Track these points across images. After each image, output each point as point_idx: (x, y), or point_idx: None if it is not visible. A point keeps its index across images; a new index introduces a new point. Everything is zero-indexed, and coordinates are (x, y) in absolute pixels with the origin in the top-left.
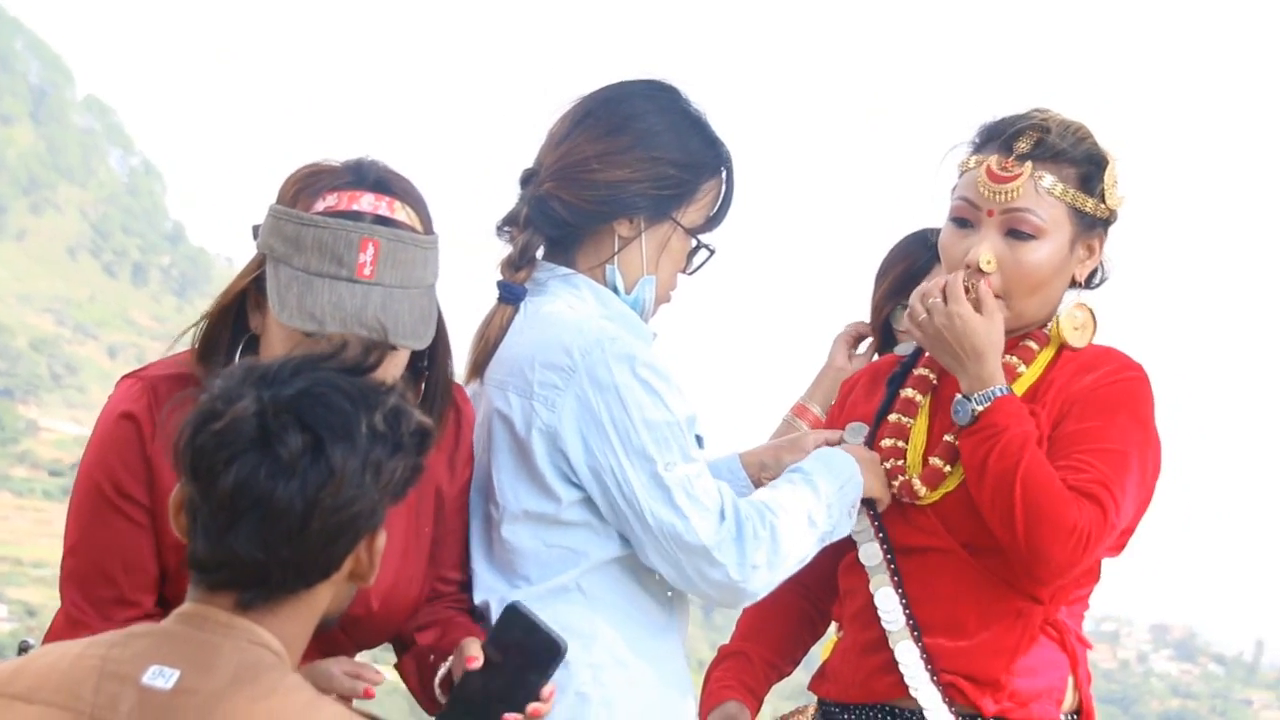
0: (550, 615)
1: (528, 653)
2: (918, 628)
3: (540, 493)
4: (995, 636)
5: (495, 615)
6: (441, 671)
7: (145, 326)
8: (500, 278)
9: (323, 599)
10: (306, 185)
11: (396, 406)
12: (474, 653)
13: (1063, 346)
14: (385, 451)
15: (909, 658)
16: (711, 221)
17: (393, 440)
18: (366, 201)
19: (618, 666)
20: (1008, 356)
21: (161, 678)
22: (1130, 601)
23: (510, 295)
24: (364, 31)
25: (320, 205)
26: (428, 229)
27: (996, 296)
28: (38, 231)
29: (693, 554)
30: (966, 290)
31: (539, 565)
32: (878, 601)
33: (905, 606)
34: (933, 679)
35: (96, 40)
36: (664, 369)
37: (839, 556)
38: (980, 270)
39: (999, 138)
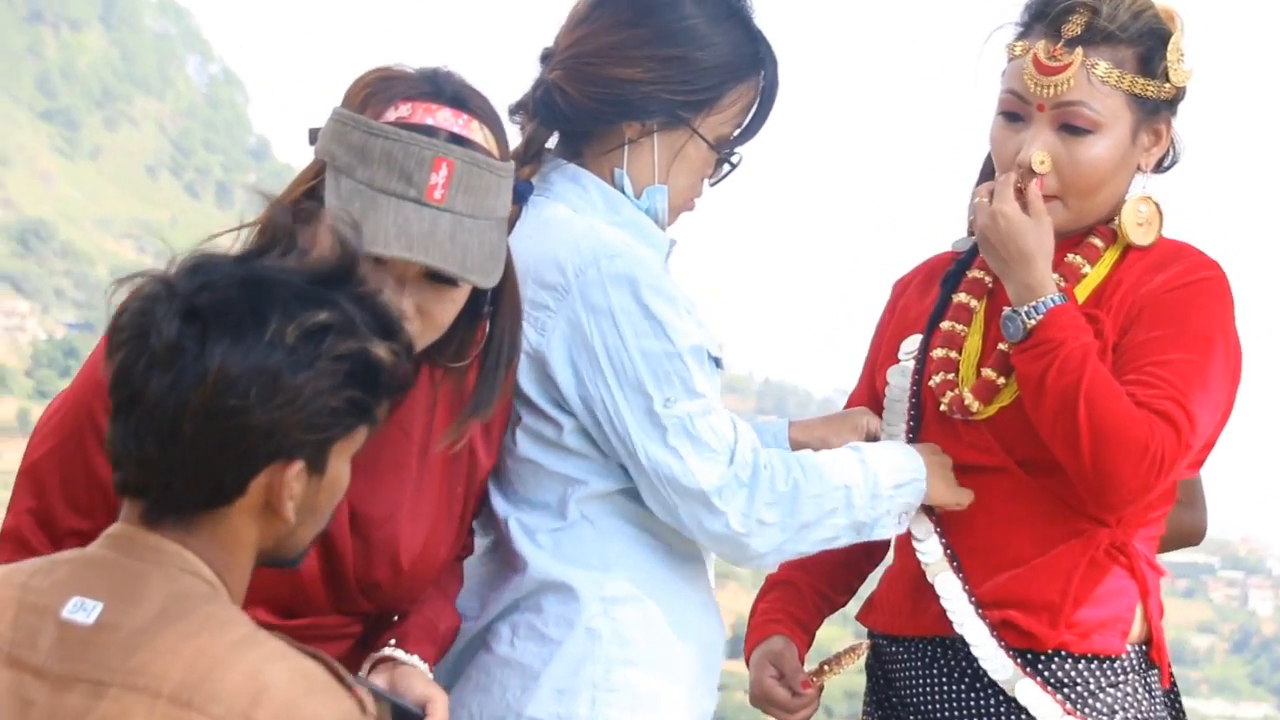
0: (560, 546)
1: None
2: (956, 557)
3: (536, 416)
4: (1053, 561)
5: (509, 533)
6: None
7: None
8: None
9: (241, 528)
10: (377, 91)
11: (327, 322)
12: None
13: (1129, 243)
14: (289, 365)
15: (950, 590)
16: (743, 133)
17: (303, 356)
18: (443, 117)
19: (632, 600)
20: (1070, 255)
21: (83, 611)
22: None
23: (514, 195)
24: None
25: (391, 115)
26: (504, 155)
27: (1054, 198)
28: (114, 149)
29: (689, 498)
30: (1018, 192)
31: (540, 489)
32: (912, 529)
33: (941, 535)
34: (978, 612)
35: None
36: (671, 290)
37: None
38: (1033, 171)
39: (1046, 19)
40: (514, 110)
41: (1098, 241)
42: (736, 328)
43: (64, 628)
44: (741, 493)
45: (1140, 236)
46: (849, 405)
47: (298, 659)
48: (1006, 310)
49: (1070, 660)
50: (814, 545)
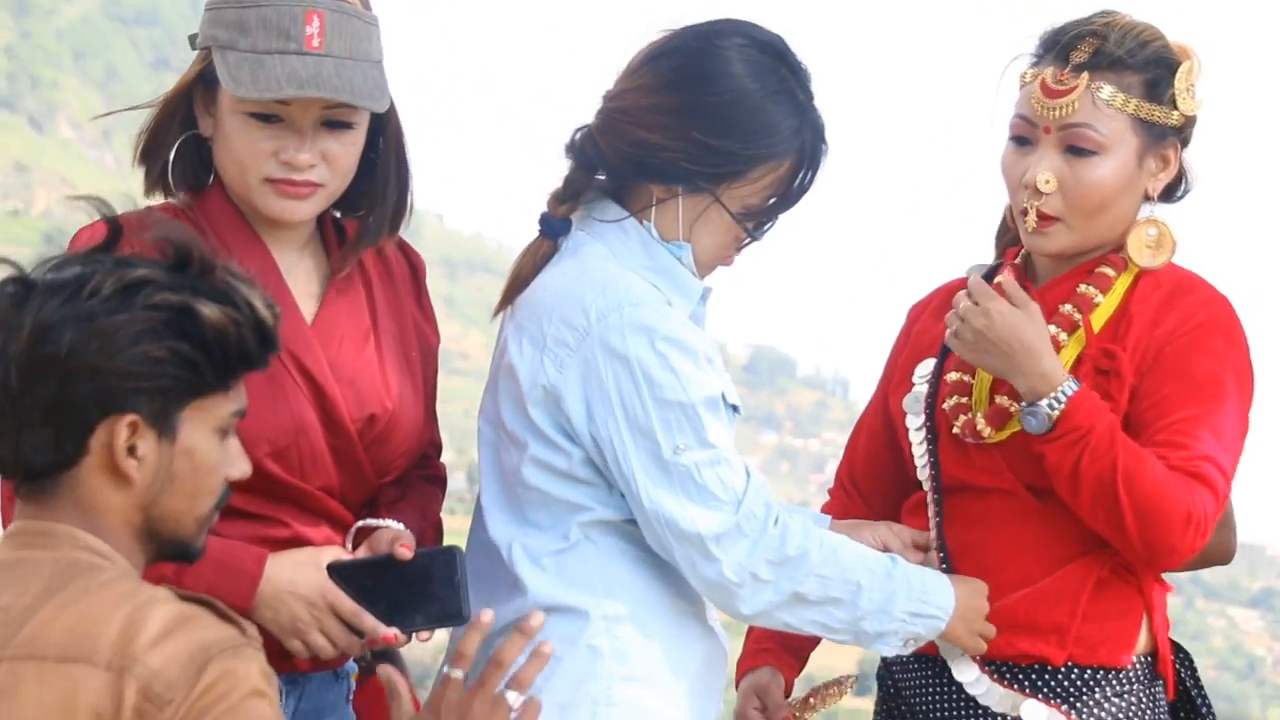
0: (563, 568)
1: (431, 595)
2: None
3: (547, 446)
4: (1061, 581)
5: (511, 558)
6: (364, 525)
7: None
8: (545, 208)
9: (98, 491)
10: None
11: (146, 277)
12: (409, 544)
13: (1140, 270)
14: (103, 310)
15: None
16: (774, 206)
17: (119, 303)
18: None
19: (633, 619)
20: (1083, 286)
21: None
22: None
23: (549, 229)
24: None
25: None
26: (366, 6)
27: (1057, 219)
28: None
29: (686, 542)
30: (996, 286)
31: (546, 513)
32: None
33: (944, 560)
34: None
35: None
36: (690, 342)
37: (906, 495)
38: (1039, 191)
39: (1056, 47)
40: (566, 149)
41: (1109, 270)
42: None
43: None
44: (742, 543)
45: (1148, 259)
46: (859, 427)
47: (178, 603)
48: (1024, 405)
49: (1077, 670)
50: (806, 624)
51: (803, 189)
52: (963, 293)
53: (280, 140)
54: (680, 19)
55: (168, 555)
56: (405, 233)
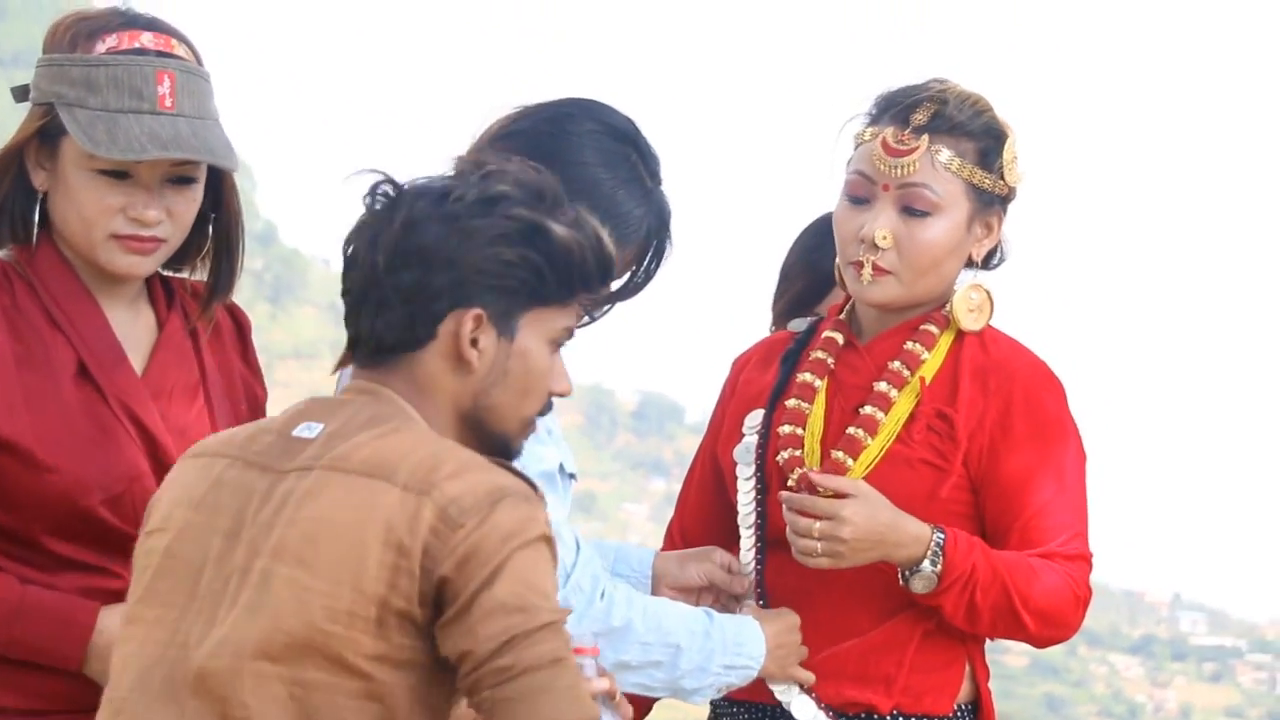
0: None
1: None
2: None
3: None
4: (889, 633)
5: None
6: None
7: None
8: None
9: (437, 374)
10: (80, 31)
11: (508, 192)
12: None
13: (961, 329)
14: (465, 213)
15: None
16: (614, 295)
17: (482, 209)
18: (148, 39)
19: None
20: (909, 344)
21: (308, 430)
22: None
23: None
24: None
25: (102, 47)
26: (201, 64)
27: (889, 273)
28: None
29: None
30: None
31: None
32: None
33: (765, 607)
34: (804, 689)
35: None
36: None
37: (737, 544)
38: (875, 245)
39: (895, 108)
40: None
41: (932, 328)
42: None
43: (292, 441)
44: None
45: (971, 322)
46: (688, 480)
47: (478, 455)
48: (904, 572)
49: (903, 718)
50: (629, 686)
51: (647, 277)
52: (795, 516)
53: (129, 197)
54: (531, 86)
55: (486, 447)
56: (293, 281)
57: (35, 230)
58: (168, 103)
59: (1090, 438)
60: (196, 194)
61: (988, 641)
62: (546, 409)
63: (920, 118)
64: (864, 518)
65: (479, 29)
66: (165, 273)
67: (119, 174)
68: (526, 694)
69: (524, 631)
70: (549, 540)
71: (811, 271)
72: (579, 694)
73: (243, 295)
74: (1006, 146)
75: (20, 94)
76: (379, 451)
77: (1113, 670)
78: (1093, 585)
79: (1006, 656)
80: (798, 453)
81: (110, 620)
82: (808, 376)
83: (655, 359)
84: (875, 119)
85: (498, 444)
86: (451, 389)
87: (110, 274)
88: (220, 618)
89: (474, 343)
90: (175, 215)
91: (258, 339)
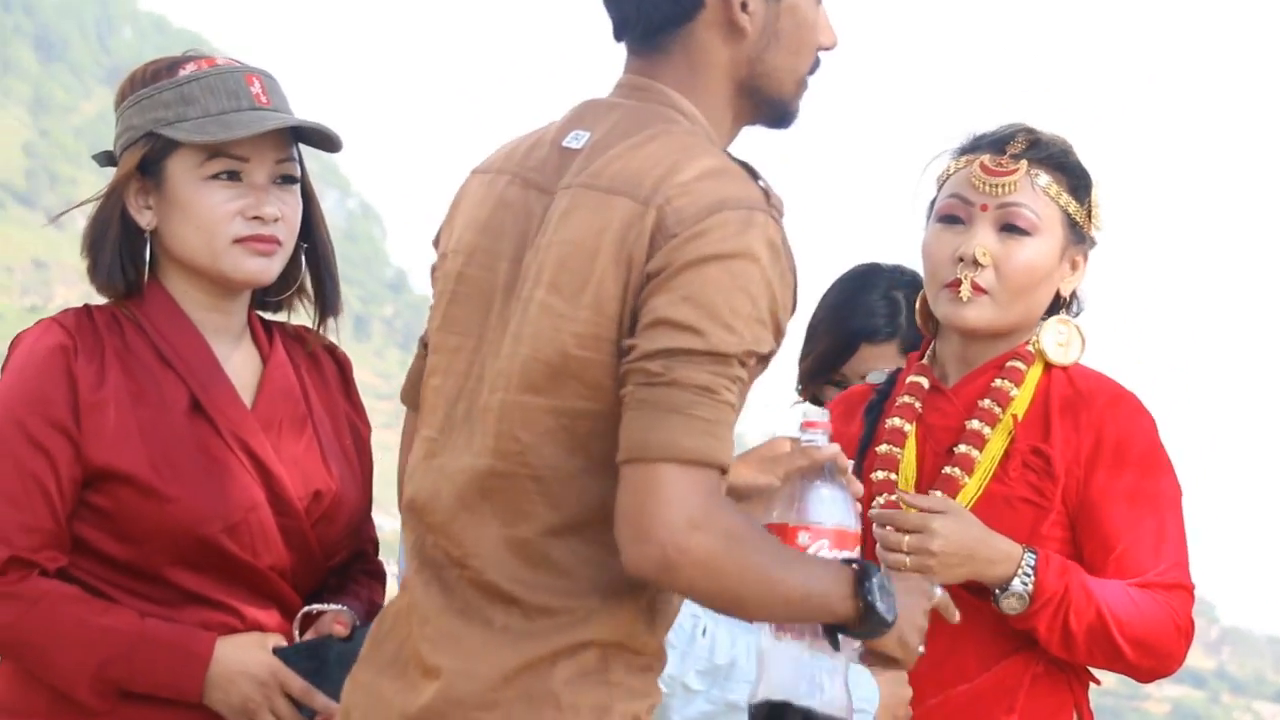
0: None
1: None
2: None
3: None
4: (998, 678)
5: None
6: (310, 610)
7: (369, 384)
8: None
9: (710, 47)
10: (158, 67)
11: None
12: (346, 621)
13: (1048, 364)
14: None
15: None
16: None
17: None
18: (223, 61)
19: None
20: (997, 381)
21: (576, 140)
22: None
23: None
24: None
25: (184, 74)
26: None
27: (984, 292)
28: None
29: None
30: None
31: None
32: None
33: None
34: None
35: (303, 75)
36: None
37: None
38: (975, 262)
39: (988, 140)
40: None
41: (1020, 365)
42: None
43: (563, 153)
44: (670, 654)
45: (1061, 356)
46: None
47: (724, 158)
48: (996, 591)
49: None
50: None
51: None
52: (885, 531)
53: (244, 198)
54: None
55: (766, 116)
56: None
57: (146, 273)
58: (263, 99)
59: (1233, 474)
60: (299, 198)
61: (1128, 693)
62: (815, 66)
63: (1016, 147)
64: (953, 531)
65: (585, 83)
66: (265, 316)
67: (232, 175)
68: (660, 404)
69: (685, 350)
70: (753, 257)
71: (838, 329)
72: (713, 430)
73: (374, 342)
74: (1094, 191)
75: (105, 159)
76: (629, 165)
77: (1257, 718)
78: (1235, 631)
79: (1148, 704)
80: (892, 497)
81: (227, 650)
82: (896, 421)
83: None
84: (967, 150)
85: (777, 110)
86: (725, 60)
87: (237, 283)
88: (503, 350)
89: (744, 6)
90: (284, 217)
91: (389, 384)
